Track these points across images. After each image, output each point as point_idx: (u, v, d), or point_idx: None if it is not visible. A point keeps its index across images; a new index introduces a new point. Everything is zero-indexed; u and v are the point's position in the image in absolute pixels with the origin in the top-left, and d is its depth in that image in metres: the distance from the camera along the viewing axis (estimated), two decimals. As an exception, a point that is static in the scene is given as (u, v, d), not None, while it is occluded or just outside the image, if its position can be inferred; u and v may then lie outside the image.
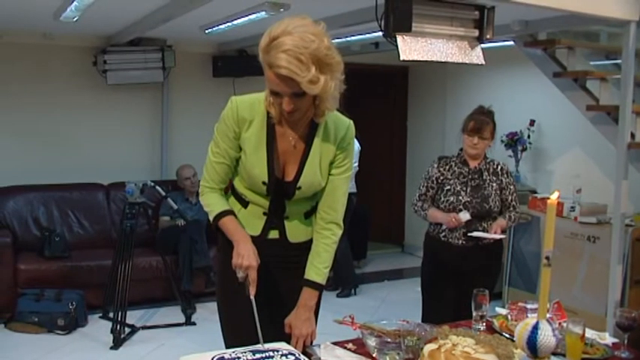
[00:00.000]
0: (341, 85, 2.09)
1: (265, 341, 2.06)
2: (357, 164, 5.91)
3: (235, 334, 2.31)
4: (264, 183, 2.23)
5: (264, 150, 2.20)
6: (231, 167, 2.28)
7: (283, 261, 2.34)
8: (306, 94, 2.00)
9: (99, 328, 5.03)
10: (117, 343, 4.68)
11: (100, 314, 5.26)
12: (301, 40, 1.91)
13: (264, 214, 2.30)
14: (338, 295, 6.01)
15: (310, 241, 2.35)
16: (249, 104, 2.20)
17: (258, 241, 2.29)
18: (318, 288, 2.26)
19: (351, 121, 2.30)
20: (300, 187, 2.23)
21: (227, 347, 2.24)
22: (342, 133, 2.24)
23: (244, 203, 2.32)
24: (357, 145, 5.79)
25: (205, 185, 2.30)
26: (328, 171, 2.26)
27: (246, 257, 2.11)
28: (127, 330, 4.86)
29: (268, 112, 2.18)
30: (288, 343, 2.12)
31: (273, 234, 2.33)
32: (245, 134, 2.20)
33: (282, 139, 2.22)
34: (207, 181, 2.30)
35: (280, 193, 2.26)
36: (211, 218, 2.27)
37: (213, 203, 2.28)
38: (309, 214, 2.35)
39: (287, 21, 1.97)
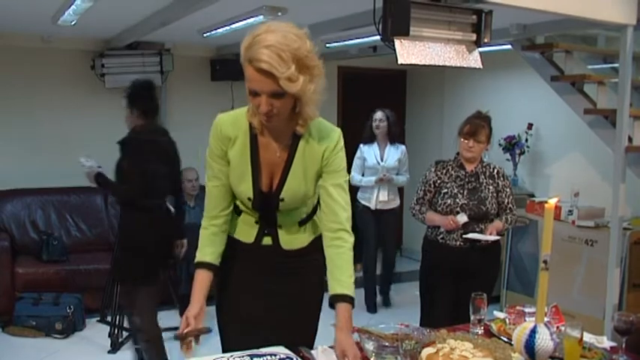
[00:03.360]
0: (324, 93, 2.05)
1: (262, 346, 2.06)
2: (405, 172, 5.86)
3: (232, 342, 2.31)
4: (249, 199, 2.21)
5: (249, 166, 2.18)
6: (229, 187, 2.24)
7: (277, 268, 2.30)
8: (285, 96, 1.96)
9: (97, 331, 5.02)
10: (115, 347, 4.67)
11: (98, 318, 5.25)
12: (284, 37, 1.91)
13: (257, 222, 2.28)
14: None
15: (304, 249, 2.32)
16: (232, 121, 2.19)
17: (253, 248, 2.28)
18: (350, 300, 2.14)
19: (339, 131, 2.23)
20: (282, 199, 2.20)
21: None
22: (327, 142, 2.18)
23: (238, 211, 2.30)
24: (402, 150, 5.78)
25: (205, 217, 2.28)
26: (316, 180, 2.22)
27: (186, 323, 2.10)
28: (125, 334, 4.85)
29: (251, 124, 2.16)
30: (285, 347, 2.11)
31: (267, 240, 2.30)
32: (230, 152, 2.19)
33: (267, 150, 2.18)
34: (207, 211, 2.27)
35: (267, 204, 2.23)
36: (195, 260, 2.26)
37: (200, 248, 2.26)
38: (304, 222, 2.31)
39: (271, 22, 1.98)
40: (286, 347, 2.11)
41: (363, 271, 5.90)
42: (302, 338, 2.26)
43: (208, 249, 2.25)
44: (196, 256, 2.25)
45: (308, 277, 2.36)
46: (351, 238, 2.22)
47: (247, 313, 2.30)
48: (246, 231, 2.30)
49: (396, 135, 5.86)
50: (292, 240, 2.30)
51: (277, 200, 2.21)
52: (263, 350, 2.02)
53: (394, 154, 5.78)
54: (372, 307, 5.89)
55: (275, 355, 1.99)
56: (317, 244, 2.31)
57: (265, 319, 2.28)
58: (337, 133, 2.21)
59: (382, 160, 5.78)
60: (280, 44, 1.89)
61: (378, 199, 5.75)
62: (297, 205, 2.26)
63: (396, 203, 5.91)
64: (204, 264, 2.23)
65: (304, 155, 2.18)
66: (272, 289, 2.31)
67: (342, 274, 2.17)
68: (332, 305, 2.15)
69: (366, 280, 5.93)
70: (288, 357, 1.99)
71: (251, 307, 2.30)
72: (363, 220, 5.81)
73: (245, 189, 2.19)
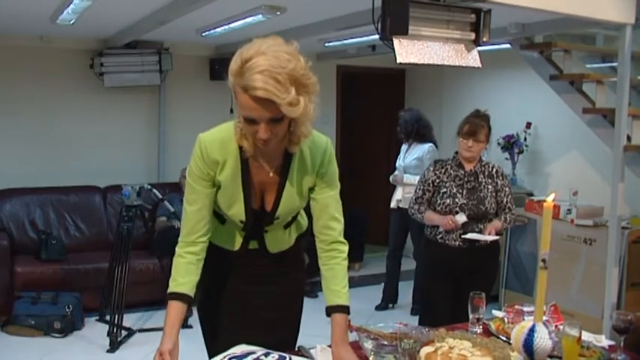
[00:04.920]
0: (317, 109, 1.92)
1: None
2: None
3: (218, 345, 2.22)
4: (241, 222, 2.16)
5: (240, 190, 2.09)
6: (210, 210, 2.12)
7: (264, 270, 2.28)
8: (284, 120, 1.86)
9: (96, 331, 5.02)
10: (113, 346, 4.67)
11: (97, 317, 5.25)
12: (276, 59, 1.78)
13: (243, 230, 2.22)
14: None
15: (290, 249, 2.30)
16: (219, 144, 2.04)
17: (239, 253, 2.25)
18: (345, 310, 2.12)
19: (328, 139, 2.17)
20: (278, 218, 2.17)
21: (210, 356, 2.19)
22: (320, 157, 2.11)
23: (222, 220, 2.23)
24: (425, 149, 5.73)
25: (180, 241, 2.13)
26: (309, 194, 2.18)
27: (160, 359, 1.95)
28: (124, 333, 4.86)
29: (240, 147, 2.04)
30: (276, 348, 2.09)
31: (253, 245, 2.25)
32: (219, 177, 2.07)
33: (258, 171, 2.10)
34: (183, 236, 2.13)
35: (258, 221, 2.18)
36: (168, 289, 2.09)
37: (175, 276, 2.10)
38: (288, 225, 2.28)
39: (259, 41, 1.84)
40: (275, 349, 2.08)
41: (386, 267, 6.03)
42: (289, 336, 2.29)
43: (183, 279, 2.08)
44: (170, 286, 2.08)
45: (293, 276, 2.36)
46: (345, 248, 2.20)
47: (235, 317, 2.27)
48: (232, 240, 2.25)
49: (413, 134, 5.80)
50: (278, 243, 2.27)
51: (272, 219, 2.17)
52: (252, 348, 2.02)
53: (415, 152, 5.76)
54: (384, 304, 6.01)
55: (269, 354, 1.99)
56: (300, 241, 2.33)
57: (254, 321, 2.26)
58: (328, 143, 2.15)
59: (403, 158, 5.81)
60: (275, 67, 1.77)
61: (396, 197, 5.79)
62: (290, 216, 2.24)
63: None
64: (179, 295, 2.06)
65: (297, 173, 2.12)
66: (259, 290, 2.28)
67: (337, 284, 2.16)
68: (328, 314, 2.15)
69: (388, 276, 6.04)
70: (281, 356, 2.00)
71: (239, 309, 2.27)
72: (390, 218, 5.96)
73: (237, 212, 2.12)
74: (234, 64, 1.83)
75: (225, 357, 1.99)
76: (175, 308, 2.04)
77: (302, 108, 1.83)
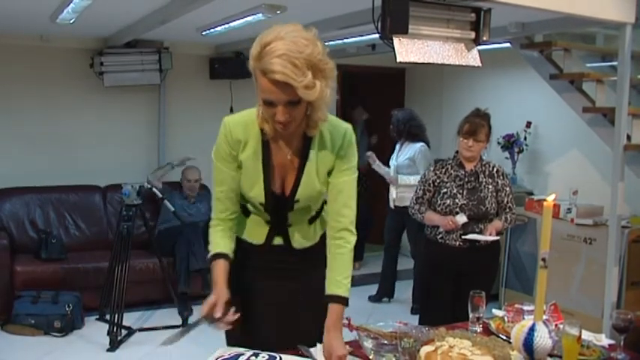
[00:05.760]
0: (333, 94, 2.01)
1: (274, 346, 2.08)
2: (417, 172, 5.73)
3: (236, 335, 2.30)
4: (261, 204, 2.21)
5: (260, 171, 2.16)
6: (237, 191, 2.22)
7: (288, 267, 2.30)
8: (301, 103, 1.93)
9: (95, 330, 5.02)
10: (113, 345, 4.67)
11: (97, 316, 5.25)
12: (294, 44, 1.86)
13: (267, 222, 2.28)
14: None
15: (315, 246, 2.32)
16: (243, 124, 2.15)
17: (263, 249, 2.28)
18: (342, 302, 2.14)
19: (349, 126, 2.22)
20: (297, 201, 2.20)
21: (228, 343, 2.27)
22: (340, 141, 2.16)
23: (247, 212, 2.29)
24: (417, 148, 5.72)
25: (214, 218, 2.26)
26: (327, 178, 2.21)
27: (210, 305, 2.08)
28: (124, 332, 4.86)
29: (262, 130, 2.13)
30: (294, 347, 2.10)
31: (278, 240, 2.29)
32: (241, 156, 2.16)
33: (279, 153, 2.17)
34: (215, 214, 2.26)
35: (279, 207, 2.22)
36: (208, 254, 2.23)
37: (213, 242, 2.23)
38: (313, 220, 2.31)
39: (278, 27, 1.91)
40: (294, 348, 2.11)
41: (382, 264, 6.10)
42: (311, 335, 2.26)
43: (222, 242, 2.22)
44: (210, 251, 2.21)
45: (318, 274, 2.34)
46: (352, 238, 2.21)
47: (259, 314, 2.29)
48: (256, 231, 2.29)
49: (405, 133, 5.79)
50: (303, 238, 2.30)
51: (292, 202, 2.20)
52: (240, 350, 2.04)
53: (408, 152, 5.76)
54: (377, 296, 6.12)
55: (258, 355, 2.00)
56: (325, 240, 2.33)
57: (277, 319, 2.28)
58: (348, 130, 2.20)
59: (396, 158, 5.82)
60: (292, 52, 1.85)
61: (392, 196, 5.80)
62: (311, 204, 2.26)
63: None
64: (221, 254, 2.19)
65: (317, 155, 2.16)
66: (283, 288, 2.30)
67: (339, 274, 2.17)
68: (326, 303, 2.16)
69: (382, 271, 6.14)
70: (271, 356, 2.00)
71: (262, 307, 2.29)
72: (387, 215, 6.00)
73: (257, 194, 2.18)
74: (253, 49, 1.91)
75: (215, 359, 2.00)
76: (218, 265, 2.17)
77: (318, 91, 1.91)
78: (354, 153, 2.21)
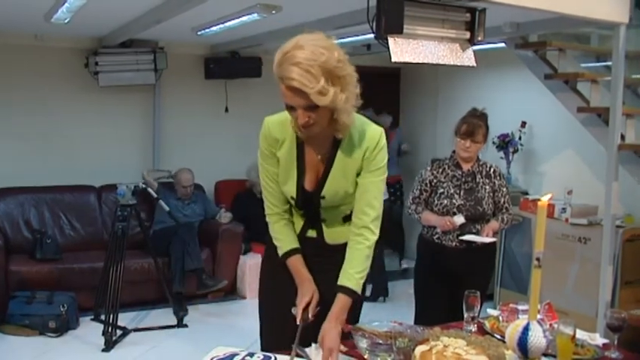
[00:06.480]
0: (357, 99, 2.15)
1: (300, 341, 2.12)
2: None
3: (272, 332, 2.45)
4: (292, 198, 2.32)
5: (295, 168, 2.29)
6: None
7: (321, 261, 2.36)
8: (320, 108, 2.03)
9: (90, 330, 5.01)
10: (108, 346, 4.66)
11: (92, 316, 5.24)
12: (312, 53, 1.97)
13: (302, 215, 2.39)
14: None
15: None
16: (280, 124, 2.28)
17: (299, 239, 2.38)
18: (351, 294, 2.22)
19: (382, 131, 2.31)
20: (323, 197, 2.30)
21: (262, 342, 2.45)
22: (368, 143, 2.25)
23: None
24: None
25: (270, 213, 2.38)
26: (355, 177, 2.29)
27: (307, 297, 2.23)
28: (119, 332, 4.85)
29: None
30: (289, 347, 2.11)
31: (311, 233, 2.40)
32: (278, 153, 2.29)
33: (310, 153, 2.29)
34: (270, 208, 2.38)
35: (308, 202, 2.33)
36: (280, 253, 2.36)
37: (281, 239, 2.37)
38: (348, 218, 2.37)
39: (299, 37, 2.02)
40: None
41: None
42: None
43: (290, 236, 2.37)
44: (281, 248, 2.36)
45: None
46: (372, 237, 2.28)
47: (290, 305, 2.32)
48: (296, 221, 2.42)
49: None
50: (336, 234, 2.39)
51: (318, 198, 2.30)
52: (234, 350, 2.04)
53: None
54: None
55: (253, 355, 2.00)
56: None
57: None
58: (378, 133, 2.28)
59: None
60: (308, 60, 1.95)
61: None
62: (339, 202, 2.33)
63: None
64: (291, 251, 2.34)
65: (345, 156, 2.26)
66: (315, 280, 2.34)
67: (352, 267, 2.26)
68: (335, 293, 2.23)
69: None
70: (265, 356, 2.00)
71: (293, 298, 2.32)
72: None
73: (289, 189, 2.31)
74: (276, 58, 2.03)
75: (210, 359, 2.00)
76: (299, 261, 2.34)
77: (331, 97, 2.01)
78: (383, 157, 2.28)
